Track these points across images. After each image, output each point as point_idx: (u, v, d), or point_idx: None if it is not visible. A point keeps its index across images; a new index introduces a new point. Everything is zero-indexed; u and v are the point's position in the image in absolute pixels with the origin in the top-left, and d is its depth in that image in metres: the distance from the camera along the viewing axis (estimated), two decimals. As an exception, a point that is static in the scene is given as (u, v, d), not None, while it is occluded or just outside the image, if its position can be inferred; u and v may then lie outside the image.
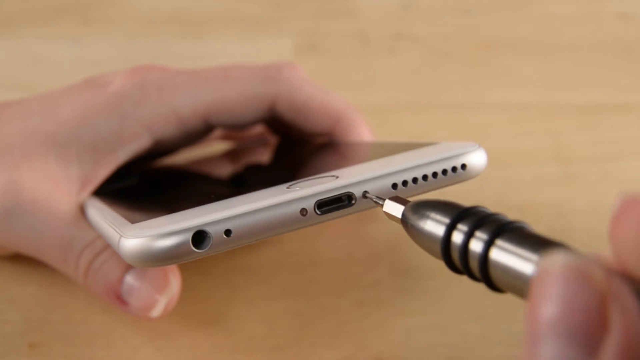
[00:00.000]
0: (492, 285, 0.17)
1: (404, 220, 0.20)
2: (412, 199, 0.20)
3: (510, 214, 0.18)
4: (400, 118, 0.41)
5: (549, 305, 0.12)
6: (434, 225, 0.18)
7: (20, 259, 0.29)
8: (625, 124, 0.40)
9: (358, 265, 0.31)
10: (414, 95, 0.43)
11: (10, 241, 0.28)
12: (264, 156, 0.34)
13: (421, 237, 0.19)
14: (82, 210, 0.27)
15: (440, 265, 0.18)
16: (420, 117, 0.41)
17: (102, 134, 0.28)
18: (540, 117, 0.41)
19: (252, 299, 0.29)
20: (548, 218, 0.33)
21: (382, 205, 0.21)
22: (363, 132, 0.31)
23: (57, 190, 0.27)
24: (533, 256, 0.16)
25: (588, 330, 0.12)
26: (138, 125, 0.28)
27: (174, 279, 0.25)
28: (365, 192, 0.22)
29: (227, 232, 0.20)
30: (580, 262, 0.13)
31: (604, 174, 0.36)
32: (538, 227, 0.32)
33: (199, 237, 0.20)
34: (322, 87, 0.31)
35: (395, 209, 0.20)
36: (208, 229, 0.20)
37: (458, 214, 0.18)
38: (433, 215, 0.19)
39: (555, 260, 0.13)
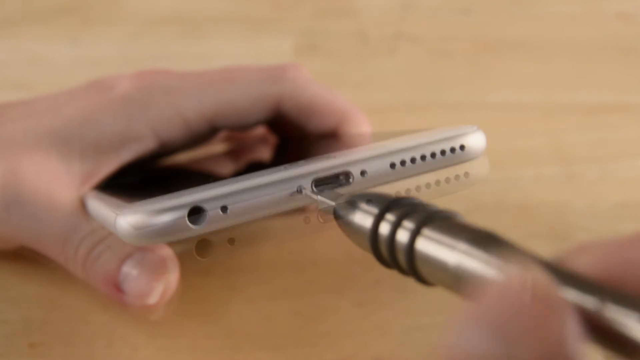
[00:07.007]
0: (421, 278, 0.16)
1: (336, 217, 0.19)
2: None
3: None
4: (400, 118, 0.41)
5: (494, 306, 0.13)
6: (363, 217, 0.18)
7: (21, 258, 0.29)
8: (625, 124, 0.40)
9: (358, 265, 0.31)
10: (414, 95, 0.43)
11: (10, 231, 0.28)
12: (264, 155, 0.34)
13: (350, 231, 0.18)
14: (82, 203, 0.27)
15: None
16: (421, 117, 0.41)
17: (106, 134, 0.28)
18: (540, 117, 0.41)
19: (252, 299, 0.29)
20: (548, 218, 0.33)
21: (316, 202, 0.20)
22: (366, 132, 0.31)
23: (58, 182, 0.27)
24: (459, 245, 0.15)
25: (511, 330, 0.13)
26: (143, 126, 0.28)
27: (172, 265, 0.25)
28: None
29: (224, 209, 0.20)
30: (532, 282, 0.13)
31: (604, 174, 0.36)
32: (538, 227, 0.32)
33: (196, 213, 0.20)
34: (327, 87, 0.31)
35: (328, 205, 0.20)
36: (204, 205, 0.20)
37: (387, 204, 0.17)
38: (362, 206, 0.18)
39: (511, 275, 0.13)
